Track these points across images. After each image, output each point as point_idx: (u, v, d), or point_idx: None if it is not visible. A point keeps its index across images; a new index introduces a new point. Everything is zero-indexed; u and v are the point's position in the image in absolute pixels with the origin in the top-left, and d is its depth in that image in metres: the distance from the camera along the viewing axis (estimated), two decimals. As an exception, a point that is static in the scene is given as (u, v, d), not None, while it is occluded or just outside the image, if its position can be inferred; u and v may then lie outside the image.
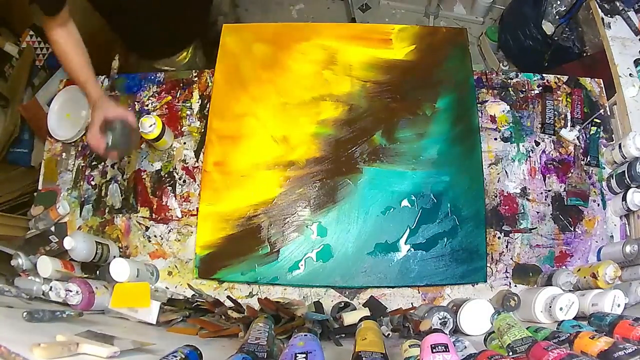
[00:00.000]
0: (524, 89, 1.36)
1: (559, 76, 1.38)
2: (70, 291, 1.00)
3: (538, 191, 1.26)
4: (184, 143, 1.34)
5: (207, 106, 1.35)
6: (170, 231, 1.26)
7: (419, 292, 1.19)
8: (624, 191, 1.20)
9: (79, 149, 1.37)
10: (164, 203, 1.28)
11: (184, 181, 1.30)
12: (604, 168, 1.28)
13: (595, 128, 1.30)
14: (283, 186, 1.24)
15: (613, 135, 1.32)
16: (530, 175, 1.28)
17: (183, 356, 0.65)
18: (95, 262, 1.14)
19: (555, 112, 1.33)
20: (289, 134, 1.29)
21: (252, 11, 2.43)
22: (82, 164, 1.35)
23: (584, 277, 1.08)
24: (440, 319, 1.00)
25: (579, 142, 1.30)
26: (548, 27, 1.89)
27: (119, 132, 1.13)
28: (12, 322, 0.78)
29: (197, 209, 1.25)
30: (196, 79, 1.40)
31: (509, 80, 1.38)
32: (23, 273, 1.14)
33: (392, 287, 1.19)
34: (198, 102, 1.38)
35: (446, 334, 0.70)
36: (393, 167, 1.25)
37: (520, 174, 1.27)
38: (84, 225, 1.29)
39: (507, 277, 1.20)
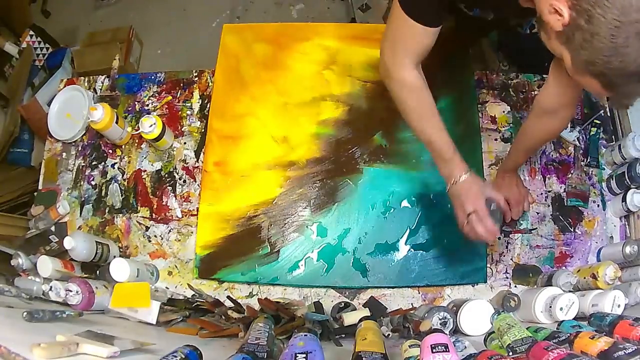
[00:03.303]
0: (524, 90, 1.36)
1: (559, 77, 1.38)
2: (70, 291, 1.00)
3: (538, 192, 1.26)
4: (184, 143, 1.34)
5: (208, 106, 1.35)
6: (170, 231, 1.26)
7: (419, 293, 1.19)
8: (623, 192, 1.20)
9: (79, 148, 1.37)
10: (164, 203, 1.28)
11: (184, 181, 1.30)
12: (604, 169, 1.28)
13: (595, 129, 1.30)
14: (283, 186, 1.24)
15: (613, 136, 1.32)
16: (530, 175, 1.28)
17: (183, 356, 0.65)
18: (95, 262, 1.14)
19: (556, 113, 1.32)
20: (290, 134, 1.29)
21: (253, 11, 2.43)
22: (82, 164, 1.35)
23: (584, 278, 1.08)
24: (440, 319, 1.00)
25: (579, 143, 1.30)
26: (548, 28, 1.89)
27: (499, 215, 1.00)
28: (12, 322, 0.78)
29: (197, 209, 1.25)
30: (196, 78, 1.40)
31: (509, 81, 1.38)
32: (23, 273, 1.14)
33: (392, 288, 1.19)
34: (198, 102, 1.38)
35: (446, 334, 0.70)
36: (393, 168, 1.25)
37: (520, 174, 1.27)
38: (84, 225, 1.29)
39: (507, 277, 1.20)
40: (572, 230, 1.23)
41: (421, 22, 0.86)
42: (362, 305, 1.17)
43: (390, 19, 0.89)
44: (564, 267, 1.19)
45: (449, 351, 0.64)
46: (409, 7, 0.85)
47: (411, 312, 1.10)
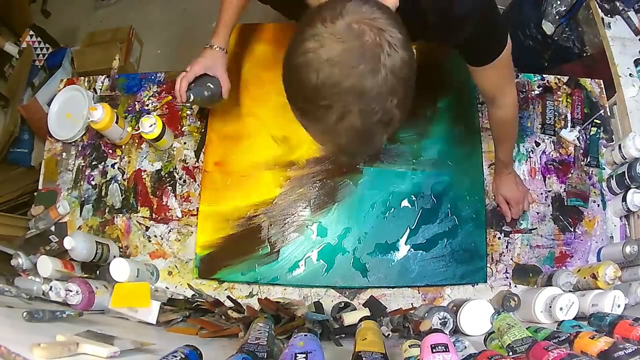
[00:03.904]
0: (524, 90, 1.36)
1: (559, 77, 1.38)
2: (70, 291, 1.00)
3: (538, 192, 1.26)
4: (184, 143, 1.34)
5: (207, 106, 1.35)
6: (170, 231, 1.26)
7: (419, 293, 1.19)
8: (623, 192, 1.20)
9: (79, 148, 1.37)
10: (164, 203, 1.28)
11: (184, 181, 1.30)
12: (604, 169, 1.28)
13: (596, 129, 1.30)
14: (283, 186, 1.24)
15: (613, 136, 1.32)
16: (531, 175, 1.28)
17: (183, 356, 0.65)
18: (95, 262, 1.14)
19: (556, 113, 1.33)
20: (290, 134, 1.29)
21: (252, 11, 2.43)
22: (82, 164, 1.35)
23: (584, 278, 1.08)
24: (440, 319, 1.00)
25: (579, 143, 1.30)
26: (548, 27, 1.89)
27: (208, 94, 1.10)
28: (12, 322, 0.78)
29: (197, 209, 1.25)
30: (196, 79, 1.40)
31: (509, 81, 1.37)
32: (23, 273, 1.14)
33: (392, 288, 1.19)
34: (198, 102, 1.38)
35: (446, 334, 0.70)
36: (393, 167, 1.25)
37: (521, 174, 1.27)
38: (84, 225, 1.29)
39: (507, 277, 1.20)
40: (572, 230, 1.23)
41: None
42: (362, 305, 1.17)
43: None
44: (564, 267, 1.19)
45: (449, 351, 0.64)
46: None
47: (411, 312, 1.10)
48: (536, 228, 1.23)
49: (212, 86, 1.11)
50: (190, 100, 1.09)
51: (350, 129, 0.60)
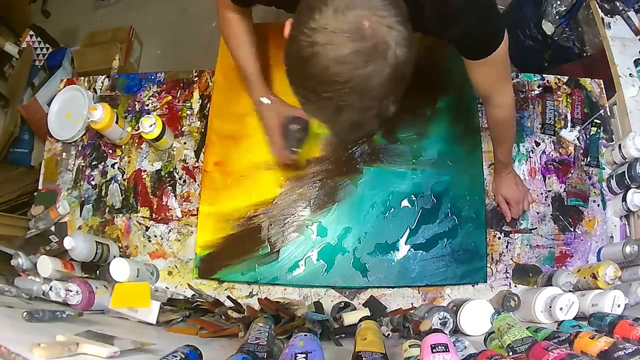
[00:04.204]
0: (524, 89, 1.36)
1: (559, 77, 1.38)
2: (70, 291, 1.00)
3: (538, 191, 1.26)
4: (184, 143, 1.34)
5: (208, 106, 1.35)
6: (170, 231, 1.26)
7: (419, 293, 1.19)
8: (623, 192, 1.20)
9: (79, 148, 1.37)
10: (164, 203, 1.28)
11: (184, 181, 1.30)
12: (604, 168, 1.28)
13: (596, 128, 1.30)
14: (283, 186, 1.24)
15: (613, 136, 1.32)
16: (530, 175, 1.28)
17: (183, 356, 0.65)
18: (95, 262, 1.14)
19: (556, 113, 1.33)
20: (289, 134, 1.28)
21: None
22: (82, 164, 1.35)
23: (584, 278, 1.08)
24: (440, 319, 1.00)
25: (579, 143, 1.30)
26: (548, 27, 1.89)
27: (301, 134, 1.08)
28: (12, 322, 0.78)
29: (197, 209, 1.25)
30: (196, 78, 1.40)
31: (509, 81, 1.38)
32: (23, 273, 1.14)
33: (392, 288, 1.19)
34: (198, 102, 1.38)
35: (446, 334, 0.70)
36: (393, 167, 1.25)
37: (520, 174, 1.27)
38: (84, 225, 1.29)
39: (507, 277, 1.20)
40: (572, 230, 1.23)
41: None
42: (362, 305, 1.17)
43: None
44: (564, 267, 1.19)
45: (449, 351, 0.64)
46: None
47: (411, 312, 1.10)
48: (536, 228, 1.23)
49: (298, 127, 1.09)
50: (300, 152, 1.11)
51: (347, 120, 0.62)
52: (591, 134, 1.30)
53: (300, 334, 0.73)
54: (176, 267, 1.23)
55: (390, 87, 0.59)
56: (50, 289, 1.01)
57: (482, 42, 0.85)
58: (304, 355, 0.65)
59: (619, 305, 0.98)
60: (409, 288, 1.19)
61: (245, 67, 1.11)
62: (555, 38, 1.89)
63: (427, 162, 1.25)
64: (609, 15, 1.39)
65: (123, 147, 1.35)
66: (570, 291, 1.06)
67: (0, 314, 0.84)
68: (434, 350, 0.64)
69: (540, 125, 1.32)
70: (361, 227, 1.20)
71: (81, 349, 0.66)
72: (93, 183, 1.33)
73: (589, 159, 1.28)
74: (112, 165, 1.33)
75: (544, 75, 1.38)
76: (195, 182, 1.29)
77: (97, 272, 1.18)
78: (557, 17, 1.87)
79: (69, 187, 1.33)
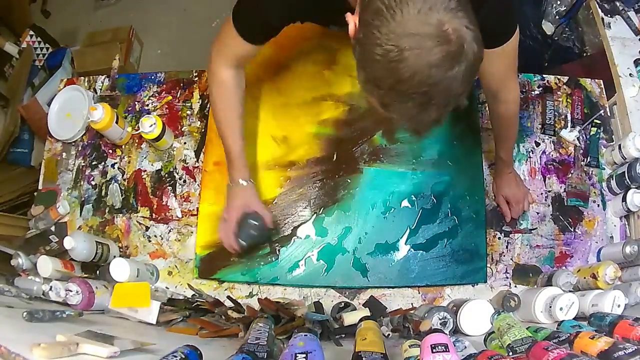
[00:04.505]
0: (524, 90, 1.36)
1: (559, 77, 1.38)
2: (70, 291, 1.00)
3: (538, 192, 1.26)
4: (184, 143, 1.34)
5: (208, 106, 1.35)
6: (170, 231, 1.26)
7: (419, 293, 1.19)
8: (623, 192, 1.20)
9: (79, 148, 1.37)
10: (164, 203, 1.28)
11: (184, 181, 1.30)
12: (604, 169, 1.28)
13: (596, 129, 1.30)
14: (283, 186, 1.24)
15: (613, 136, 1.32)
16: (531, 175, 1.28)
17: (183, 356, 0.65)
18: (95, 262, 1.14)
19: (556, 113, 1.33)
20: (290, 134, 1.29)
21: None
22: (82, 164, 1.35)
23: (584, 278, 1.08)
24: (440, 319, 1.00)
25: (579, 143, 1.30)
26: (548, 27, 1.89)
27: (256, 233, 1.07)
28: (12, 322, 0.78)
29: (197, 208, 1.25)
30: (196, 78, 1.40)
31: (509, 81, 1.37)
32: (23, 273, 1.14)
33: (392, 288, 1.19)
34: (198, 102, 1.38)
35: (446, 334, 0.70)
36: (393, 168, 1.25)
37: (521, 174, 1.27)
38: (84, 225, 1.29)
39: (507, 277, 1.20)
40: (572, 230, 1.23)
41: (244, 37, 0.92)
42: (362, 305, 1.17)
43: (223, 24, 0.95)
44: (564, 267, 1.19)
45: (449, 351, 0.64)
46: (237, 20, 0.91)
47: (411, 312, 1.10)
48: (536, 228, 1.23)
49: (256, 223, 1.07)
50: (245, 247, 1.08)
51: (431, 117, 0.64)
52: (591, 134, 1.30)
53: (300, 334, 0.73)
54: (176, 267, 1.23)
55: (468, 85, 0.63)
56: (50, 289, 1.01)
57: (499, 28, 0.85)
58: (304, 355, 0.65)
59: (619, 306, 0.98)
60: (409, 288, 1.19)
61: (230, 146, 1.06)
62: (555, 38, 1.89)
63: (427, 162, 1.25)
64: (609, 15, 1.39)
65: (123, 147, 1.35)
66: (570, 291, 1.06)
67: (0, 314, 0.84)
68: (434, 350, 0.64)
69: (540, 126, 1.32)
70: (361, 227, 1.20)
71: (81, 349, 0.66)
72: (93, 183, 1.33)
73: (589, 159, 1.28)
74: (112, 165, 1.33)
75: (544, 76, 1.38)
76: (195, 182, 1.29)
77: (97, 272, 1.18)
78: (557, 17, 1.87)
79: (69, 187, 1.33)
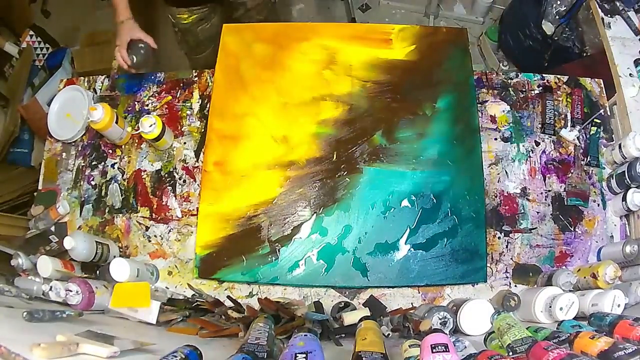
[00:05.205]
0: (524, 89, 1.36)
1: (559, 76, 1.38)
2: (70, 291, 1.00)
3: (538, 191, 1.26)
4: (184, 143, 1.34)
5: (207, 106, 1.35)
6: (170, 231, 1.26)
7: (419, 292, 1.19)
8: (624, 191, 1.20)
9: (79, 148, 1.37)
10: (164, 203, 1.28)
11: (184, 181, 1.30)
12: (604, 168, 1.28)
13: (595, 128, 1.30)
14: (283, 186, 1.24)
15: (613, 136, 1.32)
16: (531, 175, 1.28)
17: (183, 356, 0.65)
18: (95, 262, 1.14)
19: (556, 112, 1.33)
20: (289, 133, 1.29)
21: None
22: (82, 164, 1.35)
23: (584, 277, 1.08)
24: (440, 319, 1.00)
25: (579, 142, 1.30)
26: (548, 27, 1.89)
27: (144, 52, 1.32)
28: (12, 322, 0.78)
29: (197, 208, 1.25)
30: (196, 78, 1.41)
31: (509, 80, 1.38)
32: (23, 273, 1.14)
33: (392, 287, 1.19)
34: (198, 102, 1.38)
35: (446, 334, 0.70)
36: (393, 167, 1.25)
37: (521, 174, 1.27)
38: (84, 225, 1.29)
39: (507, 277, 1.20)
40: (572, 229, 1.23)
41: None
42: (362, 305, 1.17)
43: None
44: (564, 267, 1.19)
45: (449, 351, 0.64)
46: None
47: (411, 311, 1.10)
48: (536, 227, 1.23)
49: (142, 45, 1.33)
50: (135, 62, 1.31)
51: None
52: (591, 133, 1.30)
53: (300, 334, 0.73)
54: (176, 267, 1.23)
55: None
56: (50, 289, 1.01)
57: None
58: (304, 355, 0.65)
59: (619, 305, 0.98)
60: (409, 288, 1.19)
61: None
62: (555, 38, 1.89)
63: (427, 162, 1.25)
64: (609, 15, 1.39)
65: (123, 147, 1.35)
66: (570, 291, 1.06)
67: (0, 313, 0.84)
68: (434, 350, 0.64)
69: (540, 125, 1.32)
70: (361, 226, 1.20)
71: (81, 349, 0.66)
72: (93, 183, 1.33)
73: (589, 159, 1.28)
74: (112, 165, 1.33)
75: (544, 75, 1.38)
76: (195, 182, 1.29)
77: (97, 272, 1.18)
78: (557, 17, 1.87)
79: (69, 187, 1.33)
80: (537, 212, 1.25)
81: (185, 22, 1.51)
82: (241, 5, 1.55)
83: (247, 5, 1.54)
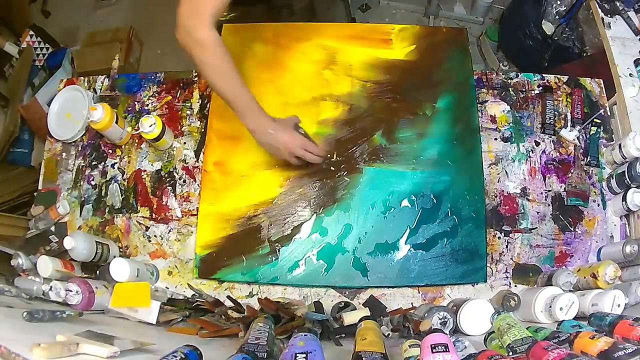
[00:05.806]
0: (524, 89, 1.36)
1: (559, 76, 1.38)
2: (70, 291, 1.00)
3: (538, 191, 1.26)
4: (184, 143, 1.34)
5: (208, 106, 1.35)
6: (170, 231, 1.26)
7: (419, 292, 1.19)
8: (624, 191, 1.20)
9: (79, 148, 1.37)
10: (164, 203, 1.28)
11: (184, 181, 1.30)
12: (604, 168, 1.28)
13: (595, 128, 1.30)
14: (283, 186, 1.24)
15: (613, 136, 1.32)
16: (531, 175, 1.28)
17: (183, 356, 0.65)
18: (95, 262, 1.14)
19: (556, 112, 1.33)
20: (289, 134, 1.28)
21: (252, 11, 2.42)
22: (82, 164, 1.35)
23: (584, 277, 1.08)
24: (440, 319, 1.00)
25: (579, 142, 1.30)
26: (548, 27, 1.90)
27: (301, 126, 1.17)
28: (12, 322, 0.78)
29: (197, 208, 1.25)
30: (196, 78, 1.40)
31: (509, 80, 1.38)
32: (23, 273, 1.14)
33: (392, 287, 1.19)
34: (198, 102, 1.38)
35: (446, 334, 0.70)
36: (393, 167, 1.25)
37: (520, 174, 1.27)
38: (84, 225, 1.29)
39: (507, 277, 1.20)
40: (572, 229, 1.23)
41: None
42: (362, 305, 1.17)
43: None
44: (564, 267, 1.19)
45: (449, 351, 0.64)
46: None
47: (411, 311, 1.10)
48: (536, 228, 1.23)
49: (304, 132, 1.16)
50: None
51: None
52: (591, 133, 1.30)
53: (300, 334, 0.73)
54: (176, 267, 1.23)
55: None
56: (50, 289, 1.01)
57: None
58: (304, 355, 0.65)
59: (619, 305, 0.98)
60: (409, 288, 1.19)
61: (241, 96, 1.00)
62: (555, 38, 1.89)
63: (427, 162, 1.25)
64: (609, 15, 1.39)
65: (123, 147, 1.35)
66: (570, 291, 1.06)
67: (0, 313, 0.84)
68: (434, 350, 0.64)
69: (540, 125, 1.32)
70: (361, 226, 1.20)
71: (81, 349, 0.66)
72: (93, 183, 1.33)
73: (589, 159, 1.28)
74: (112, 165, 1.33)
75: (544, 75, 1.38)
76: (195, 182, 1.29)
77: (97, 272, 1.18)
78: (557, 17, 1.87)
79: (69, 187, 1.33)
80: (537, 212, 1.25)
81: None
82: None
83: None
